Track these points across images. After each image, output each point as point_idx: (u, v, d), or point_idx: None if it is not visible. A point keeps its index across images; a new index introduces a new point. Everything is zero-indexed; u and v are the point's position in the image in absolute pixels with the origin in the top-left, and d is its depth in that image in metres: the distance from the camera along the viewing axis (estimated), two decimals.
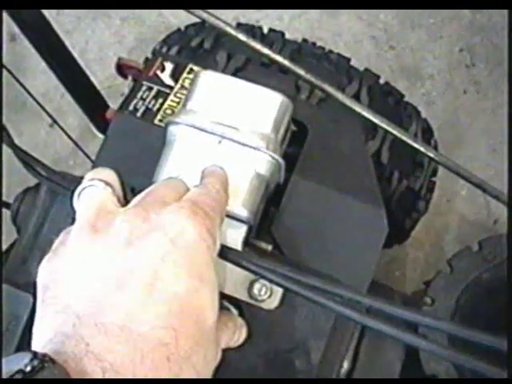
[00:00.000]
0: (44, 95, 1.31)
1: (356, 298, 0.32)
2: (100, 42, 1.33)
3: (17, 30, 1.52)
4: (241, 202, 0.46)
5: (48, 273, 0.36)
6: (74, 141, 0.85)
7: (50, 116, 0.81)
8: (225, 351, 0.46)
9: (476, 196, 1.20)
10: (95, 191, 0.39)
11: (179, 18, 1.30)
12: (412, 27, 1.28)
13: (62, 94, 1.28)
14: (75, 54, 1.36)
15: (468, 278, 0.71)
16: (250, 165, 0.46)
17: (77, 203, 0.40)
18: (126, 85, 1.34)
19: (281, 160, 0.48)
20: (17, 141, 1.42)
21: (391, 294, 0.77)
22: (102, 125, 0.78)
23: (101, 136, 1.08)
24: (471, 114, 1.24)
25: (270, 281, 0.38)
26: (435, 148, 0.88)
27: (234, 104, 0.47)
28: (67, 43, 1.38)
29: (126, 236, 0.34)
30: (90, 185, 0.40)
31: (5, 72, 1.33)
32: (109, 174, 0.41)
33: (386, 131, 0.79)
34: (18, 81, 0.73)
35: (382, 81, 0.82)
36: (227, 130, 0.46)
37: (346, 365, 0.63)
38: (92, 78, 1.33)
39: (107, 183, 0.40)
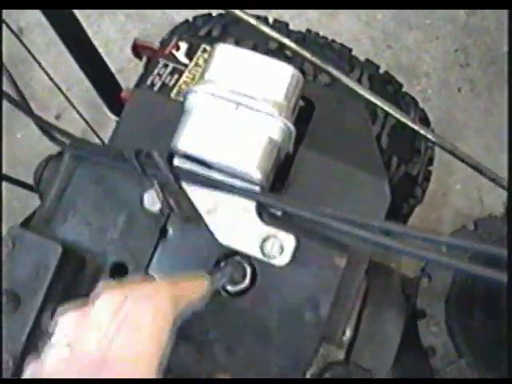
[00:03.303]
0: (51, 88, 1.33)
1: (372, 223, 0.35)
2: (106, 37, 1.36)
3: (24, 24, 1.55)
4: (255, 164, 0.49)
5: None
6: (87, 121, 0.88)
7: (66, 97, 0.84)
8: (236, 304, 0.49)
9: (470, 190, 1.24)
10: None
11: (182, 15, 1.34)
12: (409, 28, 1.32)
13: (69, 87, 1.31)
14: None
15: (464, 256, 0.74)
16: (264, 130, 0.50)
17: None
18: (130, 81, 1.37)
19: (292, 126, 0.51)
20: (23, 132, 1.45)
21: (390, 273, 0.80)
22: (116, 106, 0.81)
23: (107, 128, 1.11)
24: (466, 112, 1.28)
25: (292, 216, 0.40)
26: None
27: (249, 74, 0.51)
28: None
29: None
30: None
31: (14, 63, 1.36)
32: None
33: (386, 117, 0.83)
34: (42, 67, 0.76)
35: (381, 71, 0.85)
36: (243, 97, 0.50)
37: (348, 333, 0.66)
38: None
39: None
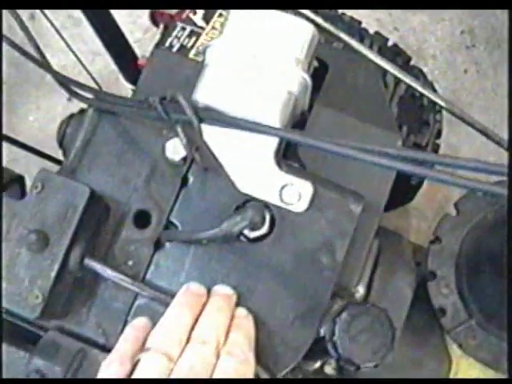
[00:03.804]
0: (62, 71, 1.35)
1: (385, 150, 0.37)
2: (117, 20, 1.38)
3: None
4: (275, 117, 0.51)
5: None
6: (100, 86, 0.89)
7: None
8: (256, 249, 0.51)
9: None
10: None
11: None
12: (415, 10, 1.34)
13: (80, 70, 1.33)
14: (93, 33, 1.41)
15: (473, 220, 0.75)
16: (282, 82, 0.51)
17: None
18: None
19: (309, 80, 0.53)
20: (35, 114, 1.47)
21: (401, 238, 0.82)
22: (132, 74, 0.83)
23: None
24: (472, 92, 1.30)
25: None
26: (440, 110, 0.94)
27: (268, 29, 0.52)
28: (86, 22, 1.43)
29: None
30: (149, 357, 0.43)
31: (26, 46, 1.38)
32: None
33: (395, 87, 0.85)
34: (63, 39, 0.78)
35: (390, 43, 0.87)
36: (261, 50, 0.51)
37: (361, 290, 0.68)
38: (108, 56, 1.38)
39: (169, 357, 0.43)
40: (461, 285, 0.73)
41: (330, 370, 0.67)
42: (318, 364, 0.66)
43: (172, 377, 0.41)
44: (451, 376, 0.74)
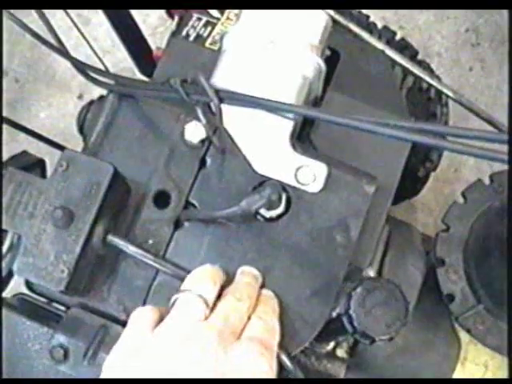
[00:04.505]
0: (72, 69, 1.38)
1: (401, 124, 0.38)
2: None
3: None
4: (289, 99, 0.52)
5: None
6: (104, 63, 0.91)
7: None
8: (272, 228, 0.52)
9: (482, 165, 1.27)
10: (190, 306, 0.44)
11: None
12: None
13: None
14: (103, 32, 1.43)
15: (480, 208, 0.77)
16: (297, 67, 0.53)
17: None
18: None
19: (323, 65, 0.54)
20: (46, 112, 1.49)
21: (410, 229, 0.83)
22: (147, 67, 0.84)
23: None
24: (477, 90, 1.32)
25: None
26: (446, 104, 0.96)
27: (283, 16, 0.54)
28: (95, 21, 1.45)
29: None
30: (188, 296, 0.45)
31: (37, 46, 1.40)
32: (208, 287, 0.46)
33: (403, 80, 0.86)
34: (81, 34, 0.80)
35: (398, 37, 0.89)
36: (278, 37, 0.53)
37: (372, 274, 0.69)
38: (119, 55, 1.40)
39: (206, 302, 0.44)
40: (469, 271, 0.74)
41: (341, 352, 0.69)
42: (330, 346, 0.67)
43: (208, 322, 0.43)
44: (460, 361, 0.75)
